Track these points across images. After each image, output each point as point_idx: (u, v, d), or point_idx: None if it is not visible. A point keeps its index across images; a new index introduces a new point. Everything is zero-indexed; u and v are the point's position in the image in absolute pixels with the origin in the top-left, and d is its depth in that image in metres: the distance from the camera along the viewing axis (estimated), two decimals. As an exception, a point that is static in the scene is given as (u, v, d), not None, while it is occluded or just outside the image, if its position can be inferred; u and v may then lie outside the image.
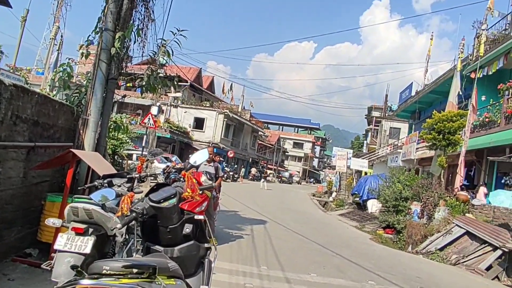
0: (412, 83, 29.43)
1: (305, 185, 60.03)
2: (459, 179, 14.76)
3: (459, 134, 14.77)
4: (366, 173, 28.75)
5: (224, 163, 38.90)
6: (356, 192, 22.77)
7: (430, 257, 10.72)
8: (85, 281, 1.89)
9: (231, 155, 40.83)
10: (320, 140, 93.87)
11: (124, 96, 8.24)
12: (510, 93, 15.68)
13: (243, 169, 40.43)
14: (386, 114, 44.00)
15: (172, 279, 2.24)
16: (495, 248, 9.90)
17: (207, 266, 3.05)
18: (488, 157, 14.75)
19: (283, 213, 15.67)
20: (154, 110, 21.92)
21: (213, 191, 7.73)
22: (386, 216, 14.71)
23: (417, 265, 9.25)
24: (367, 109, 55.88)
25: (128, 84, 9.21)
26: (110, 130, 8.54)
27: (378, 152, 35.65)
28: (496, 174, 16.46)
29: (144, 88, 7.50)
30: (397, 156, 26.49)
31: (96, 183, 3.89)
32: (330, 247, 9.52)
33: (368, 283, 6.61)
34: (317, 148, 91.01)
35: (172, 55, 7.24)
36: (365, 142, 55.49)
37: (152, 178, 6.26)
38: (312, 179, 77.40)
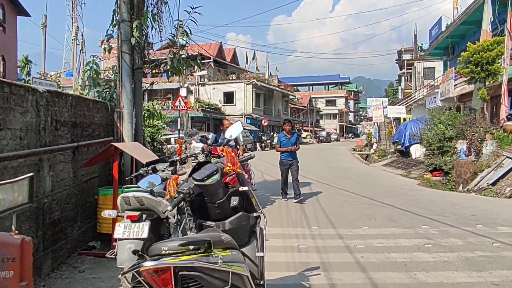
0: (441, 17, 27.92)
1: (344, 141, 59.43)
2: (504, 110, 14.08)
3: (498, 63, 14.01)
4: (404, 119, 28.02)
5: (260, 132, 39.06)
6: (397, 140, 22.31)
7: (483, 193, 10.46)
8: (148, 263, 2.00)
9: (266, 124, 40.87)
10: (353, 93, 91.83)
11: (152, 83, 8.36)
12: (550, 8, 14.55)
13: (277, 136, 40.37)
14: (418, 55, 42.19)
15: (228, 250, 2.33)
16: (552, 174, 9.51)
17: (259, 234, 3.13)
18: (533, 82, 13.92)
19: (326, 172, 15.67)
20: (183, 92, 22.07)
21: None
22: (432, 159, 14.37)
23: (470, 203, 9.06)
24: (396, 54, 53.75)
25: (154, 71, 9.30)
26: (145, 118, 8.76)
27: (415, 96, 34.52)
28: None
29: (169, 72, 7.57)
30: (435, 97, 25.55)
31: (141, 171, 4.03)
32: (378, 198, 9.48)
33: (421, 228, 6.57)
34: (351, 102, 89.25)
35: (191, 34, 7.22)
36: (399, 88, 53.71)
37: (193, 158, 6.41)
38: (350, 134, 76.41)
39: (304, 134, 54.40)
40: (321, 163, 19.97)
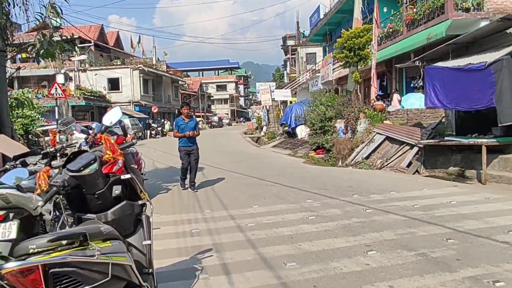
0: (319, 6, 29.79)
1: (236, 126, 60.63)
2: (374, 91, 15.73)
3: (368, 48, 15.48)
4: (290, 102, 29.56)
5: (150, 119, 37.74)
6: (284, 122, 23.49)
7: (359, 166, 11.61)
8: (10, 264, 1.79)
9: (155, 111, 39.65)
10: (242, 78, 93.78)
11: (19, 68, 7.50)
12: (408, 1, 16.49)
13: (168, 123, 39.41)
14: (300, 41, 44.62)
15: (108, 242, 2.21)
16: (412, 146, 10.93)
17: (145, 222, 3.03)
18: (395, 65, 15.73)
19: (218, 156, 15.84)
20: (59, 78, 20.16)
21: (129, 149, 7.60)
22: (315, 138, 15.45)
23: (348, 176, 9.99)
24: (281, 39, 56.17)
25: (23, 55, 8.31)
26: (13, 108, 7.82)
27: (299, 80, 36.58)
28: (405, 80, 17.75)
29: (40, 56, 6.83)
30: (316, 80, 27.37)
31: (7, 166, 3.61)
32: (267, 178, 9.90)
33: (306, 202, 7.05)
34: (241, 87, 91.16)
35: (62, 14, 6.59)
36: (285, 72, 56.39)
37: (73, 149, 5.93)
38: (241, 119, 78.24)
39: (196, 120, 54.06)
40: (214, 148, 20.12)
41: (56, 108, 16.48)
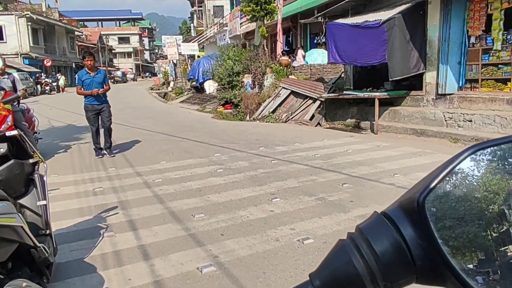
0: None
1: (141, 81, 57.84)
2: (280, 46, 15.99)
3: (274, 3, 15.53)
4: (198, 57, 28.89)
5: (43, 73, 34.25)
6: (192, 77, 22.97)
7: (266, 120, 11.95)
8: None
9: (49, 64, 36.01)
10: (147, 30, 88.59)
11: None
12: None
13: (62, 77, 36.05)
14: (207, -7, 43.11)
15: (-7, 203, 2.01)
16: (315, 100, 11.49)
17: (38, 181, 2.81)
18: (300, 21, 16.07)
19: (122, 113, 15.06)
20: None
21: (19, 105, 6.89)
22: (223, 93, 15.43)
23: (255, 129, 10.25)
24: (187, -10, 53.67)
25: None
26: None
27: (206, 34, 35.65)
28: (309, 36, 18.27)
29: None
30: (224, 35, 26.96)
31: None
32: (176, 134, 9.74)
33: (214, 156, 7.12)
34: (146, 40, 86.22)
35: None
36: (192, 25, 54.52)
37: None
38: (147, 74, 74.65)
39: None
40: (119, 105, 19.03)
41: None
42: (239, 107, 13.96)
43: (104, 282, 2.95)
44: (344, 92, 10.84)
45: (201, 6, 43.55)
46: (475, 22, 8.51)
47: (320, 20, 11.64)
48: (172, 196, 4.96)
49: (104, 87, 7.39)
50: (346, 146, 7.58)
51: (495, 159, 0.41)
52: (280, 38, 15.93)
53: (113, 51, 69.80)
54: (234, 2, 29.41)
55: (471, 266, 0.39)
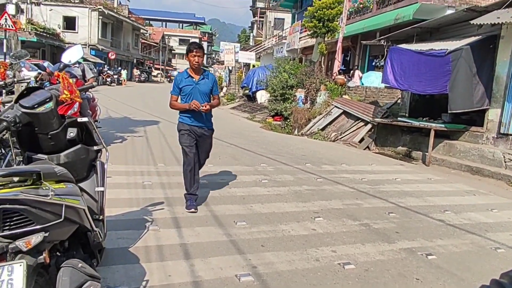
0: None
1: (195, 83, 59.37)
2: (337, 64, 15.90)
3: (337, 21, 15.50)
4: (254, 66, 29.29)
5: (106, 65, 36.07)
6: (245, 85, 23.32)
7: (314, 137, 11.88)
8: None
9: (113, 57, 37.89)
10: (207, 35, 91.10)
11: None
12: (381, -22, 16.48)
13: (124, 71, 37.85)
14: (270, 5, 43.76)
15: (62, 184, 2.14)
16: (366, 123, 11.29)
17: (100, 168, 2.96)
18: (361, 42, 15.91)
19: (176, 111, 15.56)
20: (10, 9, 18.55)
21: (86, 93, 7.20)
22: (275, 104, 15.53)
23: (302, 145, 10.21)
24: (251, 0, 54.75)
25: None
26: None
27: (265, 44, 36.13)
28: (368, 58, 18.06)
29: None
30: (282, 47, 27.19)
31: None
32: (224, 139, 9.89)
33: (260, 166, 7.16)
34: (205, 44, 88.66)
35: None
36: (251, 35, 55.43)
37: (22, 86, 5.57)
38: (202, 77, 76.43)
39: (154, 72, 52.50)
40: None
41: (5, 41, 15.26)
42: (288, 120, 13.99)
43: (146, 275, 3.03)
44: (399, 118, 10.56)
45: (262, 17, 44.25)
46: (550, 62, 8.04)
47: (382, 43, 11.46)
48: (216, 200, 5.03)
49: (211, 100, 4.73)
50: (395, 174, 7.37)
51: None
52: (339, 57, 15.84)
53: (172, 51, 72.32)
54: (296, 16, 29.63)
55: None
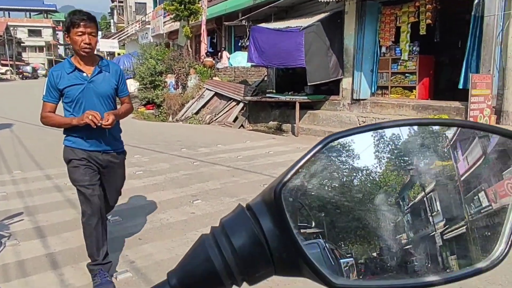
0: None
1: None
2: (204, 47, 15.92)
3: (198, 3, 15.41)
4: (118, 54, 27.69)
5: None
6: (111, 75, 21.92)
7: (189, 121, 11.79)
8: None
9: None
10: (61, 24, 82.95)
11: None
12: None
13: None
14: (129, -12, 41.53)
15: None
16: (238, 102, 11.59)
17: None
18: (224, 23, 16.15)
19: (34, 111, 13.93)
20: None
21: None
22: (145, 93, 14.92)
23: (178, 131, 10.07)
24: (107, -16, 51.26)
25: None
26: None
27: (128, 31, 34.34)
28: (234, 38, 18.45)
29: None
30: (147, 33, 26.22)
31: None
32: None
33: (134, 158, 6.82)
34: (60, 34, 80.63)
35: None
36: (112, 21, 52.15)
37: None
38: (62, 70, 69.71)
39: (2, 69, 46.21)
40: (27, 103, 17.60)
41: None
42: (161, 107, 13.61)
43: (4, 296, 2.68)
44: (267, 95, 11.07)
45: (122, 2, 41.85)
46: (386, 33, 9.19)
47: (244, 23, 11.78)
48: (86, 200, 4.65)
49: (120, 106, 3.05)
50: (268, 148, 7.73)
51: (347, 148, 0.42)
52: (204, 39, 15.86)
53: (21, 44, 64.32)
54: (158, 0, 28.68)
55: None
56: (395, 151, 0.43)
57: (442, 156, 0.45)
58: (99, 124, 2.57)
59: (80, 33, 2.66)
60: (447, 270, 0.42)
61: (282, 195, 0.39)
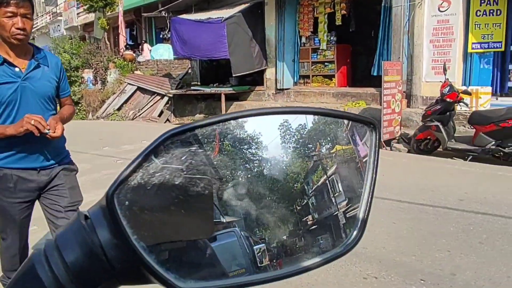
0: None
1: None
2: (123, 39, 15.23)
3: (114, -7, 14.69)
4: (28, 49, 25.52)
5: None
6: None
7: (111, 118, 11.25)
8: None
9: None
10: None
11: None
12: None
13: None
14: (36, -23, 38.38)
15: None
16: (163, 96, 11.28)
17: None
18: (143, 14, 15.55)
19: None
20: None
21: None
22: (60, 90, 13.98)
23: (99, 128, 9.56)
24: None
25: None
26: None
27: (37, 23, 31.76)
28: (155, 30, 17.82)
29: None
30: (59, 25, 24.49)
31: None
32: None
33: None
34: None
35: None
36: (19, 13, 47.88)
37: None
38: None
39: None
40: None
41: None
42: (80, 104, 12.84)
43: None
44: (192, 88, 10.89)
45: (29, -8, 38.51)
46: (305, 24, 9.46)
47: (164, 14, 11.42)
48: (-6, 209, 4.24)
49: (61, 109, 2.34)
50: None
51: (190, 142, 0.40)
52: (123, 31, 15.16)
53: None
54: (69, -10, 26.83)
55: (167, 257, 0.37)
56: (300, 140, 0.44)
57: (342, 141, 0.47)
58: (44, 132, 1.85)
59: (10, 14, 1.90)
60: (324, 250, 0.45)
61: (115, 200, 0.35)
